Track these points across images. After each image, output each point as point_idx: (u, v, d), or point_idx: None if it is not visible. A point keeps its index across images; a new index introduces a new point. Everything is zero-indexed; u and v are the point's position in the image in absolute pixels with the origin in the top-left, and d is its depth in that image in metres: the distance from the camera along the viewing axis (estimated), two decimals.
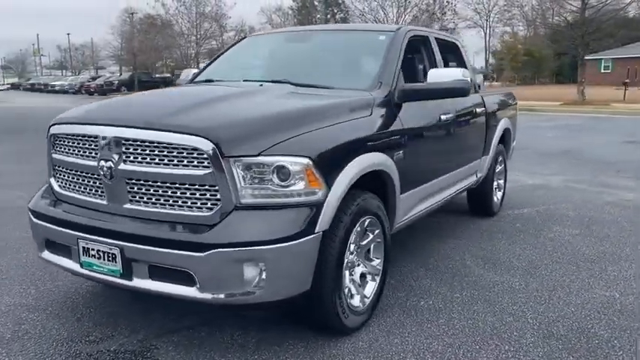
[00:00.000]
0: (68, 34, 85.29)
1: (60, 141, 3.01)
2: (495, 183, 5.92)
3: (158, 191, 2.66)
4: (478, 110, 4.95)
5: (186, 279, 2.54)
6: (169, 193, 2.63)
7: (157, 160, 2.62)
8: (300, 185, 2.60)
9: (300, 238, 2.58)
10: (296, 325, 3.11)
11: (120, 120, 2.75)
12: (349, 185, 2.83)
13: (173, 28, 51.33)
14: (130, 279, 2.66)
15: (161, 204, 2.66)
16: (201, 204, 2.59)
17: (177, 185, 2.61)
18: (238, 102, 3.11)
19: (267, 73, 4.07)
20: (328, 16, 61.08)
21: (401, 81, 3.63)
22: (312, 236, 2.64)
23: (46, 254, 3.04)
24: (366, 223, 3.12)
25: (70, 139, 2.93)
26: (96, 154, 2.78)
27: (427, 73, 3.76)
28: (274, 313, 3.29)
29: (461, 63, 5.06)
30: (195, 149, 2.53)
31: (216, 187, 2.53)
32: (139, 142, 2.65)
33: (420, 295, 3.69)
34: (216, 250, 2.46)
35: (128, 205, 2.74)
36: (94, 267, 2.76)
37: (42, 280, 3.86)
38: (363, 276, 3.24)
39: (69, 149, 2.95)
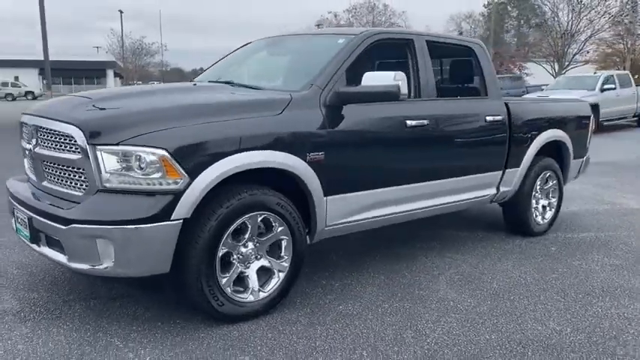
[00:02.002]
0: None
1: (21, 128, 3.63)
2: (541, 201, 5.39)
3: (55, 171, 3.11)
4: (490, 118, 4.58)
5: (62, 249, 2.94)
6: (60, 173, 3.08)
7: (52, 145, 3.08)
8: (157, 174, 2.84)
9: (152, 222, 2.82)
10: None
11: (40, 112, 3.27)
12: (220, 178, 2.98)
13: None
14: (38, 244, 3.15)
15: (57, 182, 3.11)
16: (77, 185, 2.98)
17: (63, 167, 3.04)
18: (142, 99, 3.44)
19: (231, 75, 4.30)
20: (522, 22, 57.98)
21: (340, 84, 3.61)
22: (168, 222, 2.85)
23: (12, 223, 3.68)
24: (261, 219, 3.21)
25: (21, 126, 3.54)
26: (28, 138, 3.33)
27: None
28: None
29: (475, 68, 4.72)
30: (71, 136, 2.93)
31: (85, 171, 2.89)
32: (44, 130, 3.13)
33: (345, 300, 3.63)
34: (73, 225, 2.82)
35: (45, 183, 3.24)
36: (20, 232, 3.31)
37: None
38: (264, 270, 3.33)
39: (21, 134, 3.55)
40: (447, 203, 4.47)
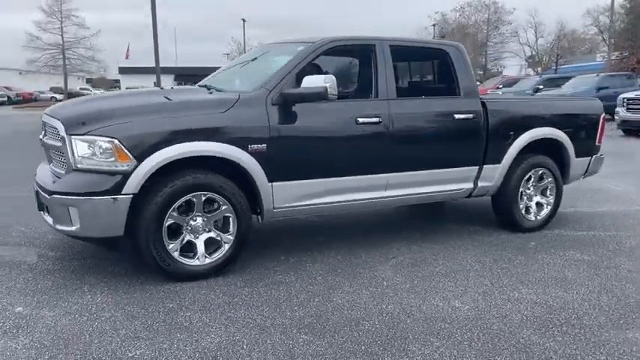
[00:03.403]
0: None
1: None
2: (534, 198, 5.52)
3: (54, 156, 4.07)
4: (459, 117, 4.88)
5: (50, 214, 3.88)
6: (55, 157, 4.02)
7: (50, 136, 4.03)
8: (112, 158, 3.66)
9: (107, 195, 3.65)
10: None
11: (47, 111, 4.25)
12: (162, 163, 3.72)
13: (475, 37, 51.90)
14: (43, 212, 4.12)
15: (55, 164, 4.06)
16: (62, 166, 3.89)
17: (55, 152, 3.97)
18: (113, 100, 4.36)
19: (219, 79, 5.05)
20: None
21: (288, 86, 4.19)
22: (119, 196, 3.66)
23: None
24: (205, 198, 3.92)
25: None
26: (42, 131, 4.34)
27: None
28: None
29: (447, 69, 5.02)
30: (57, 128, 3.85)
31: (65, 154, 3.80)
32: (47, 124, 4.10)
33: (288, 272, 4.20)
34: (54, 196, 3.74)
35: (51, 165, 4.21)
36: (37, 204, 4.31)
37: None
38: (212, 241, 4.04)
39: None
40: (413, 194, 4.85)
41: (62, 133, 3.78)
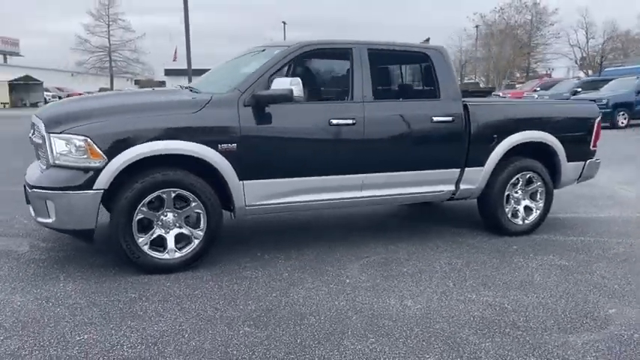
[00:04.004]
0: None
1: None
2: (523, 202, 5.49)
3: (38, 153, 4.34)
4: (437, 119, 4.92)
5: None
6: (39, 154, 4.29)
7: (35, 134, 4.31)
8: (84, 155, 3.89)
9: (78, 190, 3.88)
10: None
11: (35, 112, 4.53)
12: (131, 160, 3.93)
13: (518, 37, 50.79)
14: (30, 206, 4.40)
15: (41, 161, 4.33)
16: (44, 162, 4.16)
17: (39, 149, 4.24)
18: (91, 101, 4.62)
19: (206, 80, 5.25)
20: None
21: (260, 88, 4.34)
22: (90, 191, 3.90)
23: None
24: (175, 194, 4.11)
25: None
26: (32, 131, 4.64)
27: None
28: None
29: (428, 72, 5.06)
30: (39, 127, 4.12)
31: (45, 151, 4.06)
32: (33, 124, 4.38)
33: (257, 268, 4.35)
34: (33, 189, 4.01)
35: (38, 161, 4.50)
36: (25, 198, 4.60)
37: None
38: (183, 236, 4.22)
39: None
40: (392, 195, 4.92)
41: (42, 131, 4.04)
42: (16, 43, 53.76)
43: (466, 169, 5.15)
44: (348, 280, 4.11)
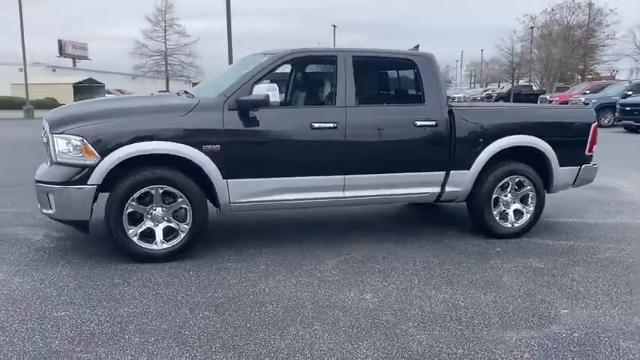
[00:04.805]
0: (482, 50, 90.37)
1: None
2: (513, 205, 5.57)
3: (47, 152, 4.83)
4: (420, 123, 5.10)
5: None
6: (47, 153, 4.78)
7: (44, 135, 4.80)
8: (81, 154, 4.34)
9: (74, 185, 4.33)
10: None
11: (46, 114, 5.03)
12: (122, 159, 4.33)
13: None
14: None
15: (48, 159, 4.82)
16: (49, 160, 4.63)
17: (46, 149, 4.73)
18: (90, 105, 5.03)
19: (205, 85, 5.62)
20: None
21: (245, 93, 4.66)
22: (85, 186, 4.33)
23: None
24: (162, 191, 4.50)
25: None
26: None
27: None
28: None
29: (413, 78, 5.24)
30: (45, 128, 4.60)
31: (49, 150, 4.53)
32: (43, 126, 4.87)
33: (239, 261, 4.67)
34: (38, 184, 4.49)
35: (48, 160, 4.99)
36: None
37: None
38: (170, 229, 4.61)
39: None
40: (375, 196, 5.14)
41: (47, 132, 4.52)
42: (85, 47, 56.44)
43: (451, 171, 5.29)
44: (318, 274, 4.36)
